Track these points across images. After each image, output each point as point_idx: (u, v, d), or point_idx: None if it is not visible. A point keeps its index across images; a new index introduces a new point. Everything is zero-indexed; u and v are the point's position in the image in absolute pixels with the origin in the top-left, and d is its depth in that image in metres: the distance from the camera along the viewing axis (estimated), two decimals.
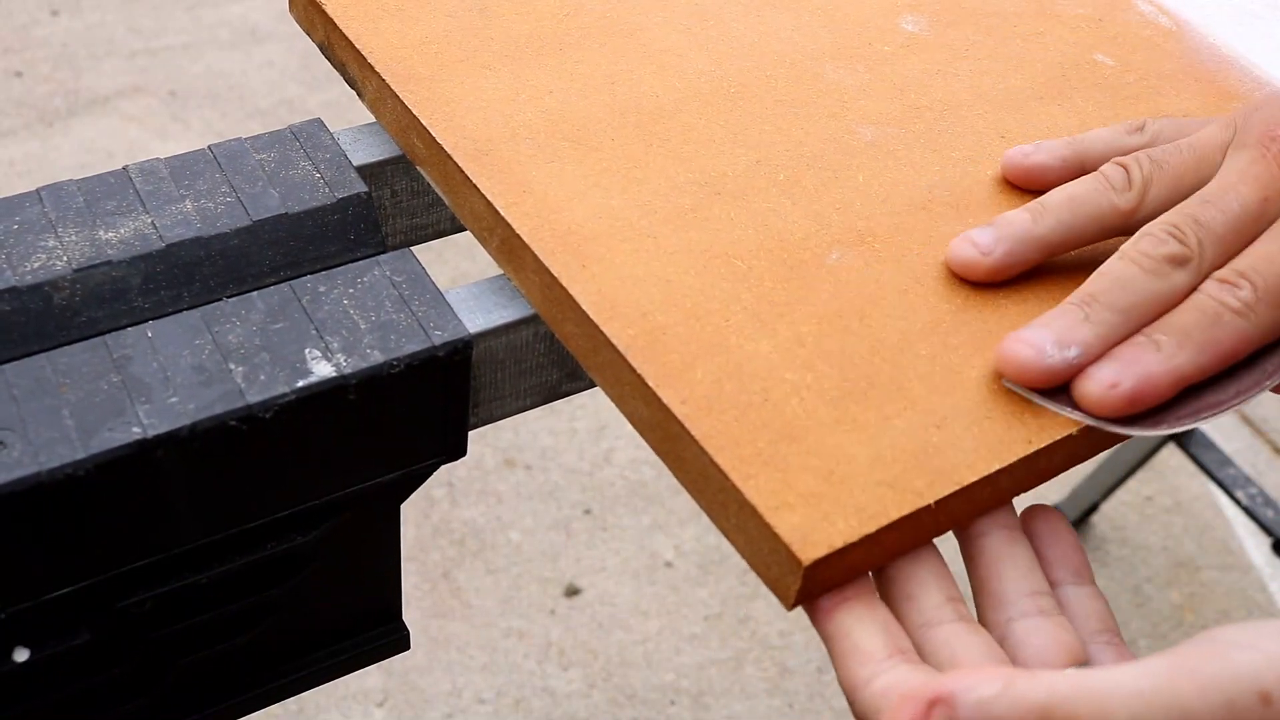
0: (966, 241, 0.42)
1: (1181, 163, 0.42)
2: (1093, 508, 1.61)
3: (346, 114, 2.07)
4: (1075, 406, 0.38)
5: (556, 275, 0.41)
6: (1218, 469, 1.45)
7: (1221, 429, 1.76)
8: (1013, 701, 0.29)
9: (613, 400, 0.40)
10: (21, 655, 0.39)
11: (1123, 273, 0.39)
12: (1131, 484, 1.67)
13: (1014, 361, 0.38)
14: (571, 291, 0.40)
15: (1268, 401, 1.83)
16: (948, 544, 0.38)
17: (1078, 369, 0.38)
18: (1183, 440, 1.49)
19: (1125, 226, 0.42)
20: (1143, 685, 0.29)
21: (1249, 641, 0.30)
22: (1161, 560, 1.62)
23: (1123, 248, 0.40)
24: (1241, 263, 0.39)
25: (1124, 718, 0.29)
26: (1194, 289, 0.39)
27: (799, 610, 0.36)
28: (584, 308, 0.40)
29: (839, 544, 0.34)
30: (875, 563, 0.36)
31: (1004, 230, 0.42)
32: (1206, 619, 1.55)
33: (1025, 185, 0.46)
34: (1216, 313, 0.38)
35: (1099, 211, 0.42)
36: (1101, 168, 0.43)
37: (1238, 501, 1.42)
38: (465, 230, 0.47)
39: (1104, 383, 0.37)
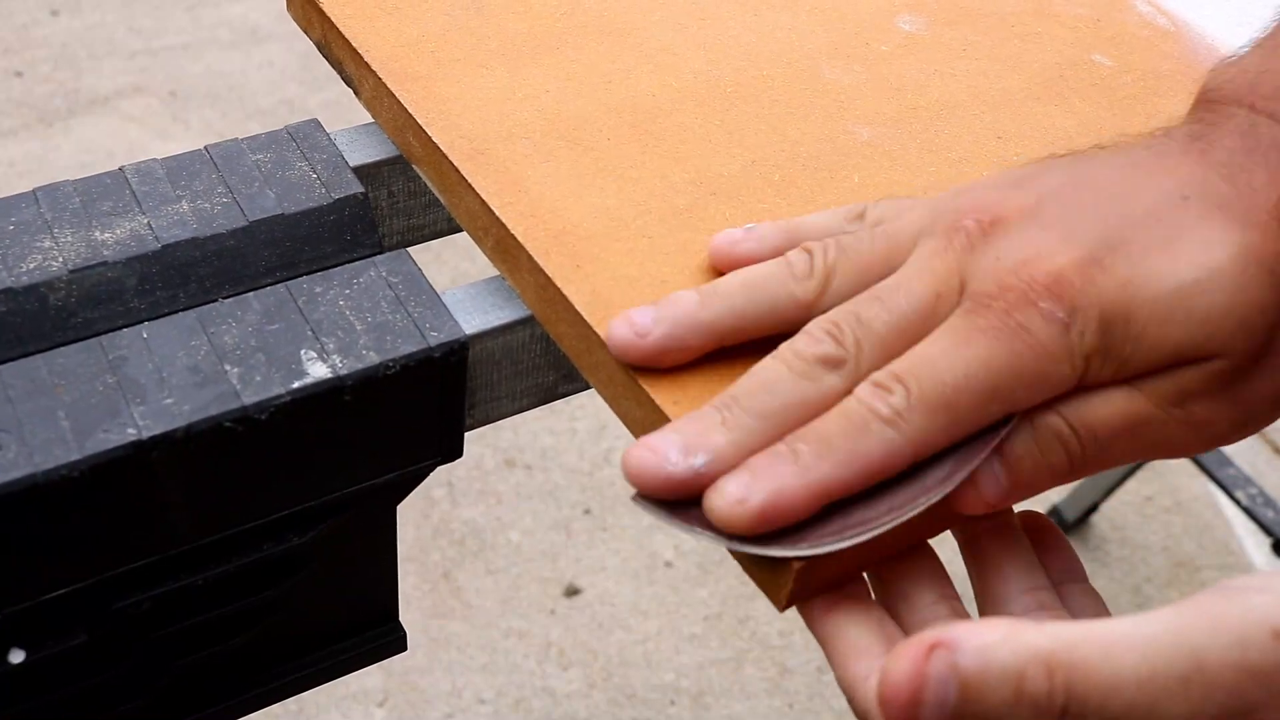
0: (624, 320, 0.38)
1: (870, 251, 0.38)
2: (1093, 508, 1.60)
3: (346, 114, 2.07)
4: (706, 525, 0.33)
5: (551, 275, 0.40)
6: (1218, 469, 1.45)
7: None
8: (1016, 648, 0.28)
9: (606, 400, 0.40)
10: (18, 657, 0.39)
11: (771, 373, 0.35)
12: (1131, 484, 1.66)
13: (634, 468, 0.34)
14: (565, 291, 0.40)
15: None
16: (947, 545, 0.38)
17: (707, 480, 0.34)
18: None
19: (805, 318, 0.37)
20: (1151, 630, 0.28)
21: (1261, 585, 0.29)
22: (1161, 560, 1.62)
23: (779, 347, 0.36)
24: (898, 366, 0.35)
25: (1131, 661, 0.28)
26: (848, 393, 0.35)
27: (799, 610, 0.36)
28: (577, 308, 0.40)
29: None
30: (867, 564, 0.36)
31: (665, 311, 0.38)
32: None
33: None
34: (864, 421, 0.34)
35: (775, 300, 0.38)
36: (787, 253, 0.39)
37: (1238, 501, 1.42)
38: (463, 231, 0.47)
39: (731, 497, 0.33)
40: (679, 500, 0.34)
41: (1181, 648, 0.28)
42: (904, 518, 0.34)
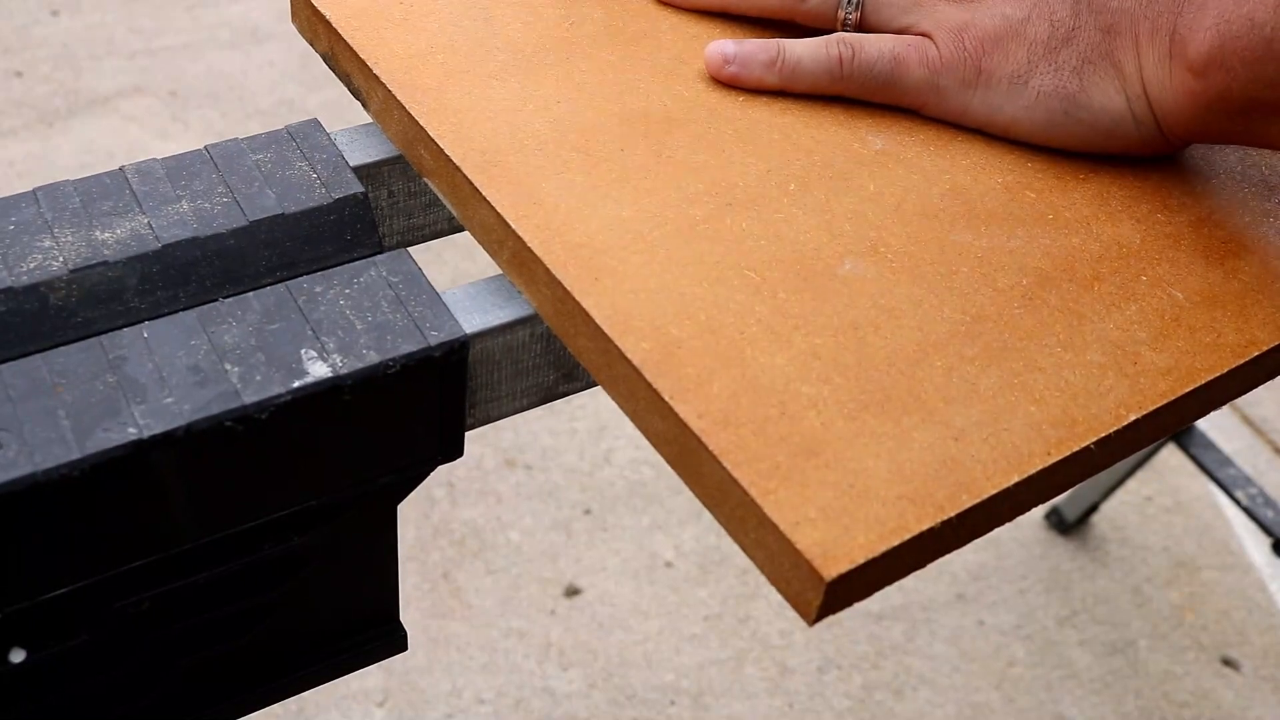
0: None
1: None
2: (1093, 508, 1.60)
3: (346, 114, 2.07)
4: None
5: (569, 289, 0.40)
6: (1218, 469, 1.45)
7: (1221, 429, 1.76)
8: None
9: (628, 414, 0.39)
10: (18, 656, 0.39)
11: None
12: (1131, 484, 1.66)
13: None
14: (585, 305, 0.39)
15: (1267, 401, 1.83)
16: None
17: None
18: (1183, 440, 1.49)
19: None
20: None
21: None
22: (1161, 560, 1.62)
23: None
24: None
25: None
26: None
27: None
28: (598, 322, 0.39)
29: (860, 559, 0.34)
30: (898, 574, 0.36)
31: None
32: (1206, 619, 1.55)
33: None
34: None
35: None
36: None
37: (1238, 501, 1.42)
38: (463, 231, 0.47)
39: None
40: None
41: None
42: None
